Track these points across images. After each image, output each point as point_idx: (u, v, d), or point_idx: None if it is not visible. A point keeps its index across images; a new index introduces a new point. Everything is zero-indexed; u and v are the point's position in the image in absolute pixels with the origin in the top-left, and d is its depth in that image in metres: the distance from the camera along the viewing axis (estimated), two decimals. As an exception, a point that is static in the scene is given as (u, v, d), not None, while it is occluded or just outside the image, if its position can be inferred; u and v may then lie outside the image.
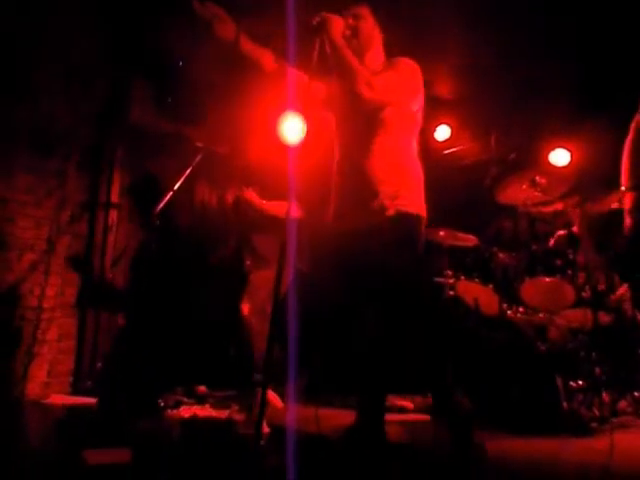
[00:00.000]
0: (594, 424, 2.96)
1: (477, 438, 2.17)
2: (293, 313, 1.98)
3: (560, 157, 4.59)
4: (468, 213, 4.39)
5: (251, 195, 3.12)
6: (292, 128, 2.54)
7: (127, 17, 4.00)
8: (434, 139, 5.46)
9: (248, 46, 2.30)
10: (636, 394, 3.27)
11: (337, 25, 2.22)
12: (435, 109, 5.40)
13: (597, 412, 3.02)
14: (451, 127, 5.40)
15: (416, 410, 3.71)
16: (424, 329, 2.18)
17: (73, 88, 4.00)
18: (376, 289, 2.18)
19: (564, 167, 4.53)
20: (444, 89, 5.26)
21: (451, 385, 2.21)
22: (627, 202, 2.14)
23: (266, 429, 2.81)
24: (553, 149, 4.63)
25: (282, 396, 3.26)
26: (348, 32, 2.30)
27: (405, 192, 2.26)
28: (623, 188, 2.06)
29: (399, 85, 2.29)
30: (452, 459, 2.14)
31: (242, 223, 3.27)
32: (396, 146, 2.31)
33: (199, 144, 3.35)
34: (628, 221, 2.19)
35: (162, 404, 3.25)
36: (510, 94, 4.61)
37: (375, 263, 2.15)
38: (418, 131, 2.42)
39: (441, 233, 3.90)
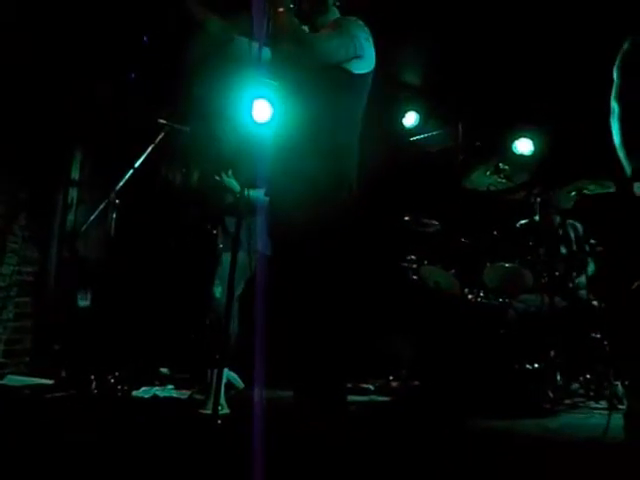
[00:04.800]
0: (547, 405, 3.05)
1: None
2: (260, 296, 1.94)
3: (524, 146, 4.67)
4: (433, 199, 4.43)
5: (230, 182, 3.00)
6: (260, 106, 2.46)
7: None
8: (402, 125, 5.48)
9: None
10: (588, 376, 3.38)
11: None
12: (404, 96, 5.43)
13: (551, 394, 3.11)
14: (419, 114, 5.43)
15: (377, 392, 3.79)
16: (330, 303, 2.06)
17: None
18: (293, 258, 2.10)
19: (528, 156, 4.61)
20: (413, 76, 5.28)
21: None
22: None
23: (225, 410, 2.80)
24: (518, 138, 4.71)
25: (247, 378, 3.24)
26: None
27: (327, 157, 2.10)
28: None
29: (338, 43, 2.09)
30: None
31: (217, 206, 3.15)
32: (332, 112, 2.13)
33: (162, 121, 3.28)
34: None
35: (115, 382, 3.20)
36: (478, 82, 4.65)
37: (291, 232, 2.08)
38: (365, 95, 2.23)
39: (406, 218, 3.93)
